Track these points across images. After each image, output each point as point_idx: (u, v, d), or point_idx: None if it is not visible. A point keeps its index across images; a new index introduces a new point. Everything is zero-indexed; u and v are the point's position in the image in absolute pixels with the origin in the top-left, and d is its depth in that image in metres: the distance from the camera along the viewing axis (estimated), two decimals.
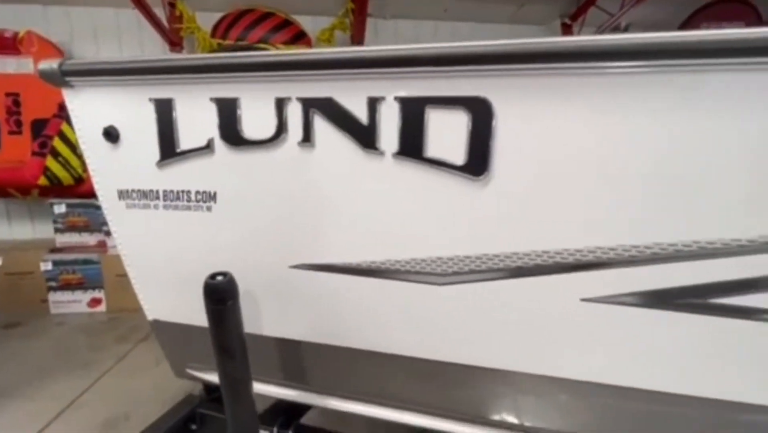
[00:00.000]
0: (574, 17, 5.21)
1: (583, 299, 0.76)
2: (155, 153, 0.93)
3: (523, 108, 0.70)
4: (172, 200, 0.97)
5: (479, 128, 0.71)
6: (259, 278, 0.95)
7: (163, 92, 0.89)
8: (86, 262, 3.45)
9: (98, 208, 3.40)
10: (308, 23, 4.51)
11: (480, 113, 0.71)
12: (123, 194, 1.00)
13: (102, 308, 3.54)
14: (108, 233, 3.38)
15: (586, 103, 0.68)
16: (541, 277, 0.76)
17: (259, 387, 1.03)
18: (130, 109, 0.92)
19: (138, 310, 1.22)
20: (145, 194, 0.98)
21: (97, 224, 3.52)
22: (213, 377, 1.17)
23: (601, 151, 0.70)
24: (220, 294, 0.84)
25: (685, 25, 5.61)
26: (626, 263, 0.72)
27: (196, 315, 1.05)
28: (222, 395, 0.95)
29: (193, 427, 1.35)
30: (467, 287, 0.81)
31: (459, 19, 5.52)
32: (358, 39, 4.54)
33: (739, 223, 0.66)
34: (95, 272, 3.44)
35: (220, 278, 0.84)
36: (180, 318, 1.11)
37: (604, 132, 0.69)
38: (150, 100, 0.90)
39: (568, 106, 0.69)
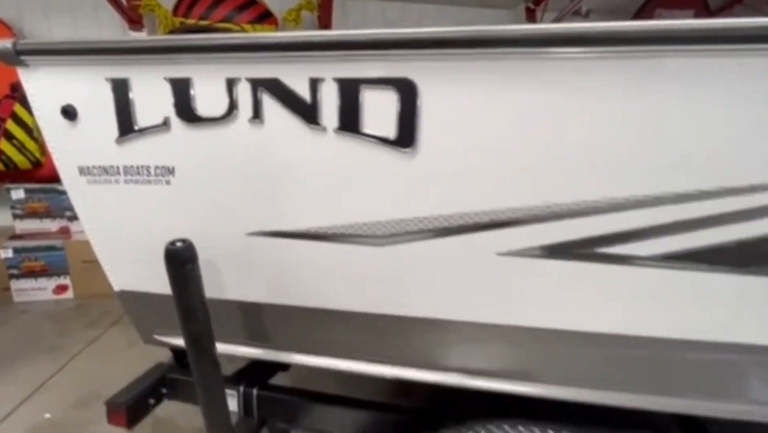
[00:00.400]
0: (537, 2, 5.35)
1: (499, 253, 0.89)
2: (114, 130, 0.99)
3: (443, 88, 0.81)
4: (132, 175, 1.03)
5: (406, 106, 0.82)
6: (218, 246, 1.04)
7: (118, 72, 0.95)
8: (49, 248, 3.39)
9: (60, 193, 3.34)
10: (275, 3, 4.45)
11: (406, 93, 0.81)
12: (84, 171, 1.05)
13: (69, 294, 3.50)
14: (72, 218, 3.33)
15: (496, 83, 0.79)
16: (463, 235, 0.89)
17: (223, 348, 1.13)
18: (87, 88, 0.97)
19: (109, 295, 1.26)
20: (105, 170, 1.04)
21: (59, 209, 3.44)
22: (179, 341, 1.25)
23: (509, 126, 0.82)
24: (180, 259, 0.92)
25: (640, 12, 5.86)
26: (532, 222, 0.85)
27: (161, 283, 1.14)
28: (188, 352, 1.04)
29: (164, 391, 1.44)
30: (404, 247, 0.93)
31: (427, 2, 5.55)
32: (325, 20, 4.53)
33: (616, 185, 0.80)
34: (59, 258, 3.39)
35: (179, 243, 0.92)
36: (145, 287, 1.18)
37: (510, 109, 0.81)
38: (106, 79, 0.96)
39: (481, 86, 0.80)
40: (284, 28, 4.50)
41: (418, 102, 0.82)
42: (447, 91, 0.81)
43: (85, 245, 1.12)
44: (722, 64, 0.71)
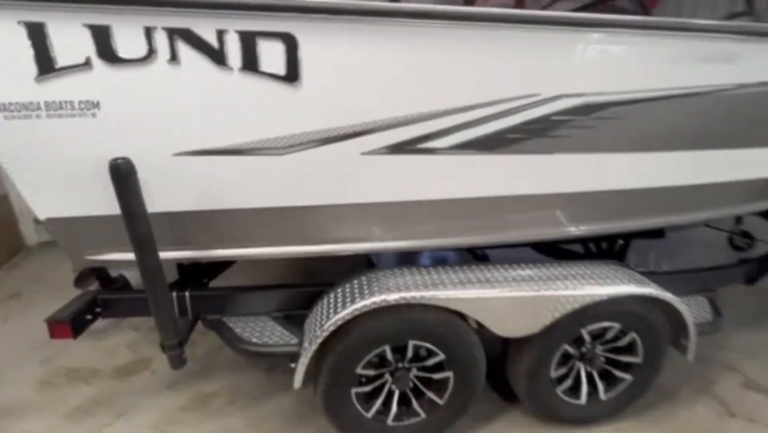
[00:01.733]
0: None
1: (362, 153, 1.39)
2: (33, 69, 1.14)
3: (316, 39, 1.22)
4: (55, 110, 1.20)
5: (290, 52, 1.21)
6: (147, 167, 1.29)
7: (33, 17, 1.10)
8: None
9: None
10: None
11: (290, 43, 1.20)
12: (0, 107, 1.18)
13: None
14: None
15: (353, 37, 1.24)
16: (338, 143, 1.35)
17: (162, 255, 1.41)
18: (1, 30, 1.10)
19: None
20: (24, 106, 1.19)
21: None
22: (111, 256, 1.48)
23: (362, 66, 1.28)
24: (124, 171, 1.19)
25: None
26: (380, 130, 1.36)
27: (91, 206, 1.37)
28: (135, 255, 1.31)
29: (98, 310, 1.65)
30: (297, 154, 1.36)
31: None
32: None
33: (425, 105, 1.35)
34: None
35: (120, 160, 1.18)
36: (75, 212, 1.37)
37: (360, 54, 1.27)
38: (19, 23, 1.10)
39: (341, 38, 1.23)
40: None
41: (299, 50, 1.22)
42: (318, 41, 1.23)
43: None
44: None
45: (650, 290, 1.66)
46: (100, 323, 2.49)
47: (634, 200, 1.76)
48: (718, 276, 2.21)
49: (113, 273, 1.72)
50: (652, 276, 1.86)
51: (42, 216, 1.37)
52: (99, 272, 1.68)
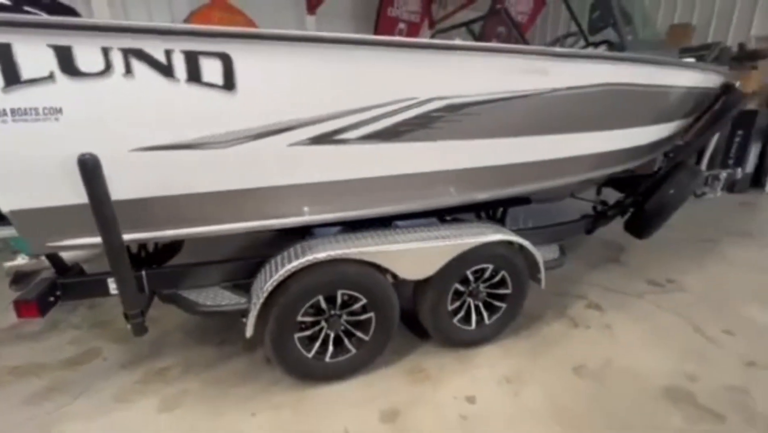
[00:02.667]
0: None
1: (289, 144, 1.79)
2: (0, 81, 1.36)
3: (247, 58, 1.59)
4: (20, 116, 1.42)
5: (227, 67, 1.57)
6: (108, 161, 1.56)
7: (1, 37, 1.33)
8: None
9: None
10: None
11: (226, 60, 1.56)
12: None
13: None
14: None
15: (271, 56, 1.63)
16: (269, 137, 1.74)
17: (125, 236, 1.67)
18: None
19: None
20: None
21: None
22: (69, 242, 1.69)
23: (278, 79, 1.68)
24: (91, 165, 1.45)
25: (378, 15, 7.38)
26: (303, 126, 1.77)
27: (52, 198, 1.60)
28: (101, 237, 1.56)
29: (58, 293, 1.83)
30: (236, 147, 1.71)
31: None
32: None
33: (334, 105, 1.79)
34: None
35: (87, 155, 1.45)
36: (38, 204, 1.58)
37: (288, 68, 1.66)
38: None
39: (264, 57, 1.62)
40: None
41: (234, 65, 1.58)
42: (249, 58, 1.60)
43: None
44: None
45: (510, 237, 2.30)
46: (35, 325, 2.60)
47: (500, 174, 2.38)
48: (565, 229, 3.00)
49: (69, 261, 1.90)
50: (520, 232, 2.53)
51: (6, 208, 1.56)
52: (55, 261, 1.86)
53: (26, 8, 2.45)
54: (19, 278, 2.25)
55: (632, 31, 2.83)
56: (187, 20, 5.49)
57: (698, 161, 4.71)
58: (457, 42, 1.90)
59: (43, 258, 2.11)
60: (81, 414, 1.98)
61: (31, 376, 2.25)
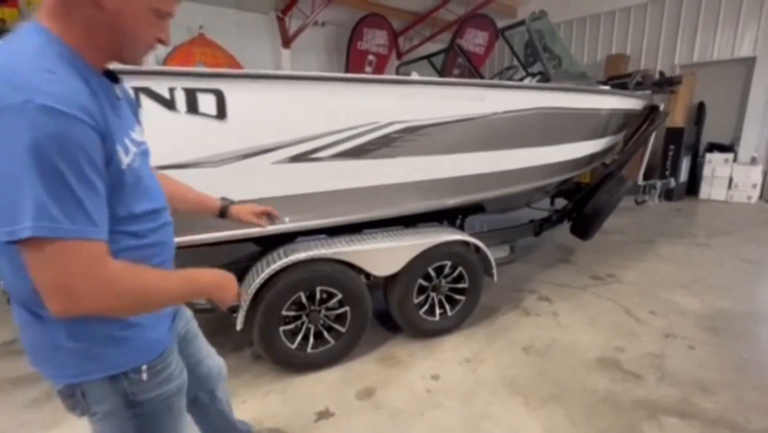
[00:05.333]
0: (284, 12, 6.72)
1: (273, 162, 2.13)
2: None
3: (237, 93, 1.95)
4: None
5: (220, 101, 1.92)
6: None
7: None
8: None
9: None
10: None
11: (219, 95, 1.91)
12: None
13: None
14: None
15: (253, 91, 1.99)
16: (255, 157, 2.08)
17: None
18: None
19: None
20: None
21: None
22: None
23: (271, 108, 2.04)
24: None
25: (354, 29, 8.04)
26: (284, 147, 2.13)
27: None
28: None
29: None
30: (228, 166, 2.04)
31: (198, 2, 6.10)
32: None
33: (311, 128, 2.16)
34: None
35: None
36: None
37: (271, 100, 2.03)
38: None
39: (250, 92, 1.98)
40: (28, 12, 4.23)
41: (225, 99, 1.93)
42: (238, 93, 1.96)
43: None
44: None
45: (465, 237, 2.70)
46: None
47: (455, 184, 2.80)
48: (516, 231, 3.44)
49: None
50: (475, 234, 2.93)
51: None
52: None
53: None
54: None
55: (557, 65, 3.39)
56: (169, 55, 5.82)
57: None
58: (413, 77, 2.33)
59: None
60: None
61: (30, 385, 2.40)
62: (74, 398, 0.91)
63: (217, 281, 0.98)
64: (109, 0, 0.75)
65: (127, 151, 0.84)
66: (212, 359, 1.39)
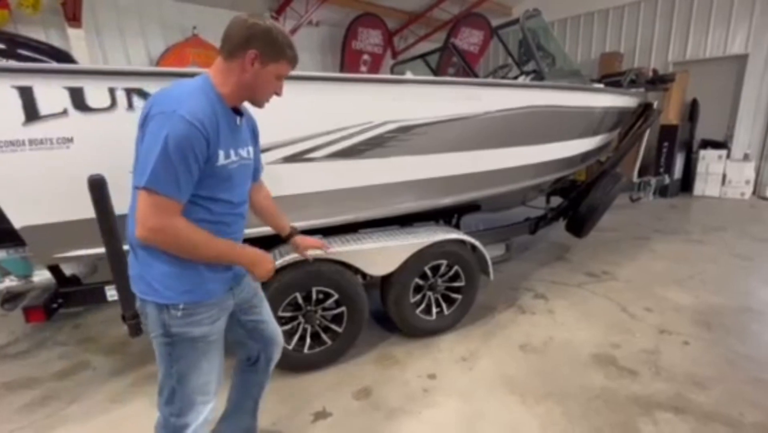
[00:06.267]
0: (278, 11, 6.69)
1: (266, 163, 2.12)
2: (21, 117, 1.64)
3: None
4: (36, 145, 1.70)
5: None
6: (111, 182, 1.83)
7: (25, 82, 1.62)
8: None
9: None
10: None
11: None
12: None
13: None
14: None
15: None
16: (271, 151, 2.07)
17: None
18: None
19: None
20: (12, 143, 1.66)
21: None
22: (73, 253, 1.93)
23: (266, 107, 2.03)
24: (100, 183, 1.73)
25: (349, 27, 8.02)
26: (277, 147, 2.12)
27: (60, 215, 1.86)
28: (104, 245, 1.82)
29: (60, 301, 2.04)
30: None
31: (191, 2, 6.07)
32: (72, 10, 4.47)
33: (296, 131, 2.15)
34: None
35: (96, 176, 1.73)
36: (46, 220, 1.82)
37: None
38: (12, 87, 1.61)
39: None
40: (19, 12, 4.19)
41: None
42: None
43: None
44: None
45: (460, 236, 2.70)
46: (22, 344, 2.77)
47: (449, 183, 2.80)
48: (510, 230, 3.44)
49: (68, 272, 2.12)
50: (471, 233, 2.93)
51: (18, 225, 1.79)
52: (56, 273, 2.07)
53: (20, 51, 2.70)
54: (10, 298, 2.43)
55: (551, 64, 3.40)
56: (163, 56, 5.79)
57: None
58: (407, 76, 2.33)
59: (33, 279, 2.32)
60: (78, 416, 2.15)
61: (24, 388, 2.39)
62: (142, 316, 1.31)
63: (253, 257, 1.31)
64: (250, 71, 1.22)
65: (228, 156, 1.23)
66: (275, 324, 1.71)
